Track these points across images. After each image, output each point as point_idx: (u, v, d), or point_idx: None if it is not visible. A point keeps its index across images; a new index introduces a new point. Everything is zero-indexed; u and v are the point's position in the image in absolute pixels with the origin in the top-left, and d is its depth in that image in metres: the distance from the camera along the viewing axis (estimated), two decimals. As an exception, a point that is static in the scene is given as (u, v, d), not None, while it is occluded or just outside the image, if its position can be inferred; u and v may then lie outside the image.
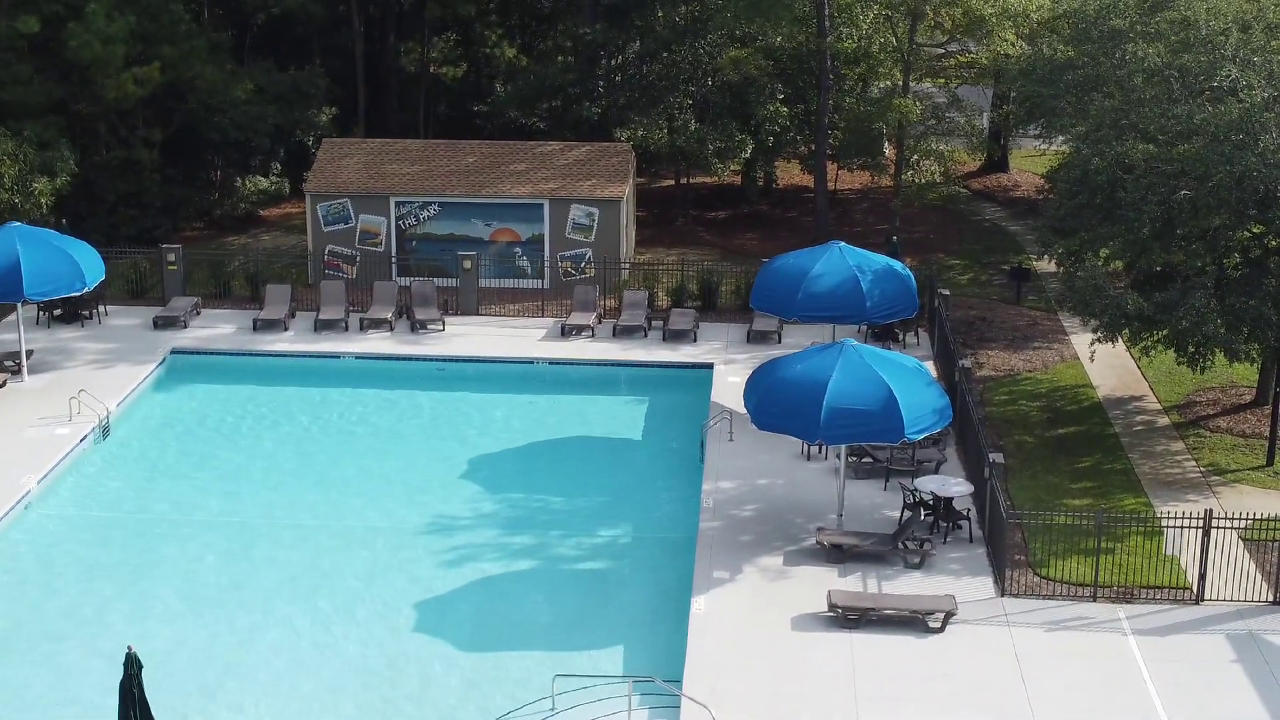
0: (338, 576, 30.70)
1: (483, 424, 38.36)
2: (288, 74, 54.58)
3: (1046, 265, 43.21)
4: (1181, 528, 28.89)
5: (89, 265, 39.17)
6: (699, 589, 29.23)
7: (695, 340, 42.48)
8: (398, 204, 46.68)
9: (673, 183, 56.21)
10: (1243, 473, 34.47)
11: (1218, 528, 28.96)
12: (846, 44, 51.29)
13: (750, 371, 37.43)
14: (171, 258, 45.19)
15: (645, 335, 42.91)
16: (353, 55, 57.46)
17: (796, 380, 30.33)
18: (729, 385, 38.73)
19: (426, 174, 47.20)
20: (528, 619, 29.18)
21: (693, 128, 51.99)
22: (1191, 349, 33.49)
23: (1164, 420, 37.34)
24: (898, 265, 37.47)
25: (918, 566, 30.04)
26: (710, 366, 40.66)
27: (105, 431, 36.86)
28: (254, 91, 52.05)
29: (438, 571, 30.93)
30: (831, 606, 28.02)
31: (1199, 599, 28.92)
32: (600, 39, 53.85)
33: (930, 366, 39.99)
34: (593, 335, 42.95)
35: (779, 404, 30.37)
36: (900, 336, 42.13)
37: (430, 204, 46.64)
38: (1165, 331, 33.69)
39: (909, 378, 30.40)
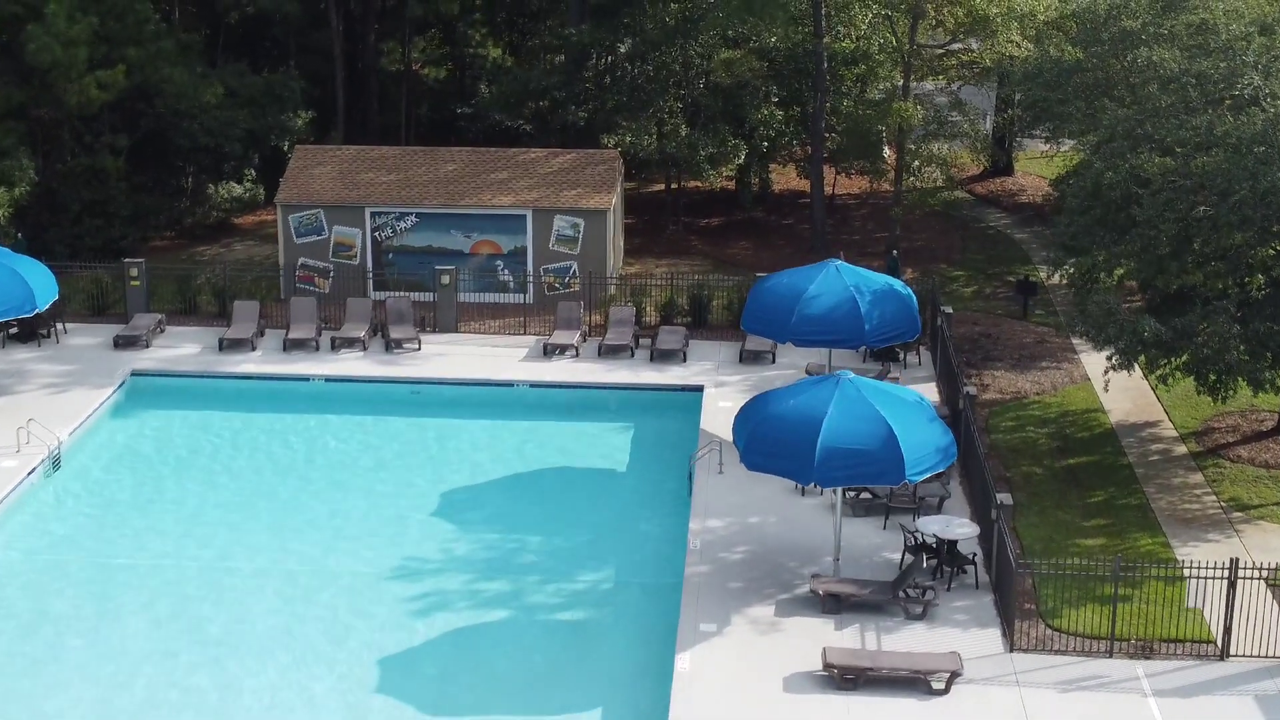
0: (296, 628, 28.50)
1: (458, 453, 36.18)
2: (260, 76, 52.35)
3: (1057, 282, 40.75)
4: (1205, 578, 26.71)
5: (40, 285, 36.91)
6: (684, 644, 27.05)
7: (685, 360, 40.27)
8: (373, 215, 44.48)
9: (663, 188, 53.97)
10: (1266, 508, 32.29)
11: (1244, 578, 26.77)
12: (844, 44, 49.16)
13: (743, 395, 35.47)
14: (134, 272, 42.94)
15: (632, 355, 40.68)
16: (331, 55, 55.23)
17: (789, 417, 28.06)
18: (720, 410, 36.52)
19: (403, 183, 44.97)
20: (499, 677, 26.98)
21: (684, 133, 49.78)
22: (1213, 378, 31.32)
23: (1181, 449, 35.14)
24: (898, 284, 35.12)
25: (920, 617, 27.88)
26: (700, 389, 38.43)
27: (56, 463, 34.68)
28: (225, 95, 49.79)
29: (404, 622, 28.73)
30: (827, 666, 25.86)
31: (1224, 654, 26.73)
32: (587, 39, 51.53)
33: (932, 389, 37.83)
34: (577, 355, 40.73)
35: (770, 442, 28.09)
36: (901, 356, 39.94)
37: (407, 215, 44.42)
38: (1185, 358, 31.56)
39: (910, 414, 28.16)
